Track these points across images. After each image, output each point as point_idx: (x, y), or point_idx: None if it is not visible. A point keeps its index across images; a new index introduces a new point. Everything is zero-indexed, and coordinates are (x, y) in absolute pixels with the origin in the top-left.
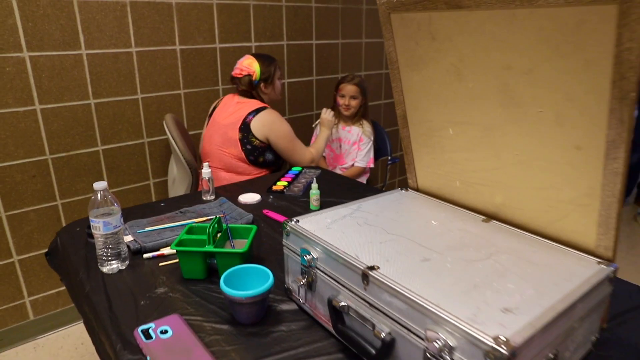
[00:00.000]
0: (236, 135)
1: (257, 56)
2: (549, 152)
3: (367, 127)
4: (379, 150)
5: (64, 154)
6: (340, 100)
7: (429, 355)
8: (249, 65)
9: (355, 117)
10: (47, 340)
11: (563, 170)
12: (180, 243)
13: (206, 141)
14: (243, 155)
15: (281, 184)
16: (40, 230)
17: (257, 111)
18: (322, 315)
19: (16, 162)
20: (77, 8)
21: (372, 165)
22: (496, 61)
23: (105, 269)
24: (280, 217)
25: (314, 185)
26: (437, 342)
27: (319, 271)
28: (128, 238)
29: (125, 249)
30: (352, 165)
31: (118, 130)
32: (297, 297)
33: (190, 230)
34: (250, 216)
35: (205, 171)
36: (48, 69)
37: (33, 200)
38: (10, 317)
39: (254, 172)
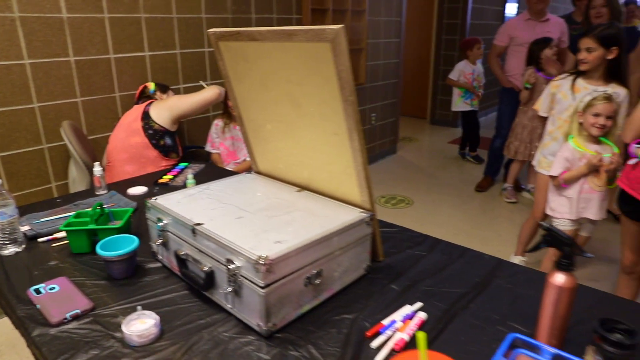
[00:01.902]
0: (139, 124)
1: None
2: (322, 138)
3: None
4: None
5: None
6: (230, 103)
7: (229, 275)
8: (144, 84)
9: None
10: None
11: (332, 151)
12: (68, 225)
13: (111, 140)
14: (146, 140)
15: (167, 178)
16: None
17: (152, 102)
18: (175, 265)
19: None
20: None
21: None
22: (283, 76)
23: (4, 252)
24: None
25: (190, 176)
26: (231, 265)
27: (169, 233)
28: (25, 227)
29: (21, 234)
30: (244, 160)
31: (15, 137)
32: (158, 256)
33: (78, 215)
34: (135, 204)
35: (97, 169)
36: None
37: None
38: None
39: (157, 160)
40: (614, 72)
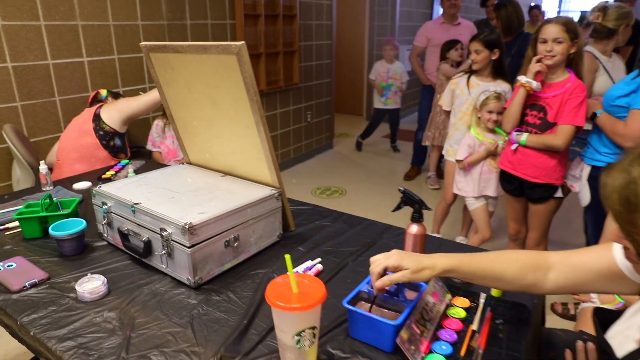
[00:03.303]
0: (90, 125)
1: None
2: (238, 131)
3: None
4: None
5: None
6: None
7: (163, 241)
8: (96, 90)
9: None
10: None
11: (247, 140)
12: (21, 213)
13: (62, 140)
14: (97, 140)
15: (109, 173)
16: None
17: (103, 105)
18: (118, 241)
19: None
20: None
21: None
22: (203, 81)
23: None
24: None
25: (131, 171)
26: (164, 233)
27: (113, 214)
28: None
29: None
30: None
31: None
32: (104, 235)
33: (29, 205)
34: (80, 196)
35: (42, 167)
36: None
37: None
38: None
39: (107, 160)
40: (498, 70)
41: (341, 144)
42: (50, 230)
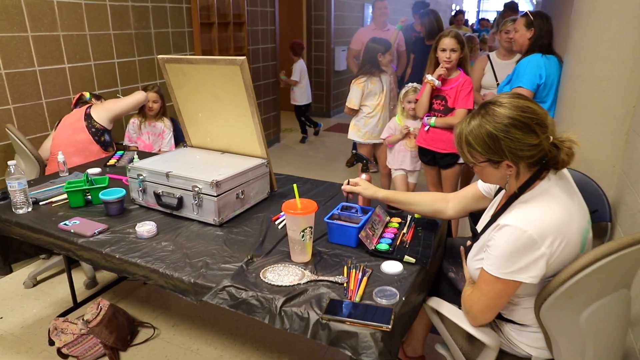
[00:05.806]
0: (82, 124)
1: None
2: (236, 118)
3: (167, 122)
4: (178, 137)
5: None
6: (147, 105)
7: (194, 195)
8: (80, 93)
9: (157, 116)
10: None
11: (242, 125)
12: (67, 189)
13: (57, 137)
14: (90, 137)
15: (112, 161)
16: None
17: (91, 106)
18: (151, 203)
19: None
20: None
21: (174, 149)
22: (210, 84)
23: (20, 211)
24: (118, 177)
25: (135, 157)
26: (196, 189)
27: (147, 182)
28: None
29: (30, 199)
30: (159, 150)
31: None
32: (138, 199)
33: (69, 183)
34: (107, 176)
35: (60, 157)
36: None
37: None
38: None
39: (99, 153)
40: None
41: (287, 138)
42: (100, 196)
